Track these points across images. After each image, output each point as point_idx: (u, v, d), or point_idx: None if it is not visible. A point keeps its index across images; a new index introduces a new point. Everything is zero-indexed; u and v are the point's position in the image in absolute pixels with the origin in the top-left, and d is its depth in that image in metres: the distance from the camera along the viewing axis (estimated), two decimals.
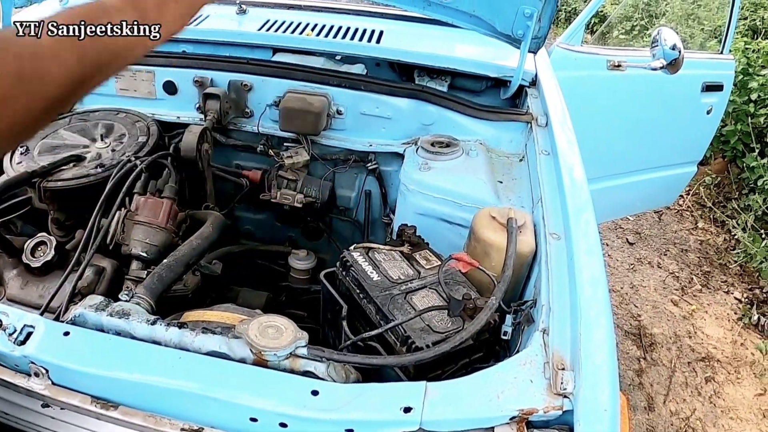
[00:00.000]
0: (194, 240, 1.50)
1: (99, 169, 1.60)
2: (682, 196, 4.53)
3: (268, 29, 2.16)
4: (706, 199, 4.60)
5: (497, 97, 2.10)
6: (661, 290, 3.73)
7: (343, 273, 1.31)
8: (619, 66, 2.70)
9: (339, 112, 1.84)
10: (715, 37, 5.08)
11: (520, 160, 1.76)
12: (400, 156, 1.83)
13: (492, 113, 1.80)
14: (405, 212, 1.63)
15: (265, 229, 2.12)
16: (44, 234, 1.49)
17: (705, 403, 2.92)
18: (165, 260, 1.37)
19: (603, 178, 2.97)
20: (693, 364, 3.16)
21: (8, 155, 1.68)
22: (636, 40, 6.41)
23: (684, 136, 3.17)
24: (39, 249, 1.48)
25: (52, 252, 1.45)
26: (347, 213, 2.00)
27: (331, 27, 2.18)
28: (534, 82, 2.00)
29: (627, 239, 4.22)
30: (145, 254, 1.46)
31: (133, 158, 1.61)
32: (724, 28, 3.13)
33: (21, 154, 1.72)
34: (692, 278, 3.86)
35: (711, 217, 4.49)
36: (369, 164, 1.88)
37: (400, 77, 2.20)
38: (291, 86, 1.83)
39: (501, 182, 1.65)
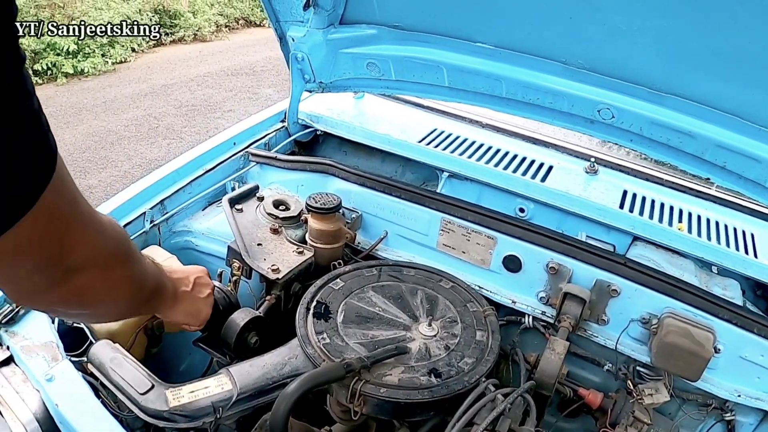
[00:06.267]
0: None
1: (435, 380, 1.31)
2: None
3: (629, 208, 1.92)
4: None
5: None
6: None
7: None
8: None
9: (716, 350, 1.60)
10: None
11: None
12: (761, 411, 1.61)
13: None
14: None
15: None
16: None
17: None
18: None
19: None
20: None
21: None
22: None
23: None
24: None
25: None
26: None
27: (699, 218, 1.94)
28: None
29: None
30: None
31: (491, 387, 1.32)
32: None
33: (317, 315, 1.44)
34: None
35: None
36: (727, 414, 1.66)
37: (754, 291, 1.92)
38: (670, 306, 1.64)
39: None
